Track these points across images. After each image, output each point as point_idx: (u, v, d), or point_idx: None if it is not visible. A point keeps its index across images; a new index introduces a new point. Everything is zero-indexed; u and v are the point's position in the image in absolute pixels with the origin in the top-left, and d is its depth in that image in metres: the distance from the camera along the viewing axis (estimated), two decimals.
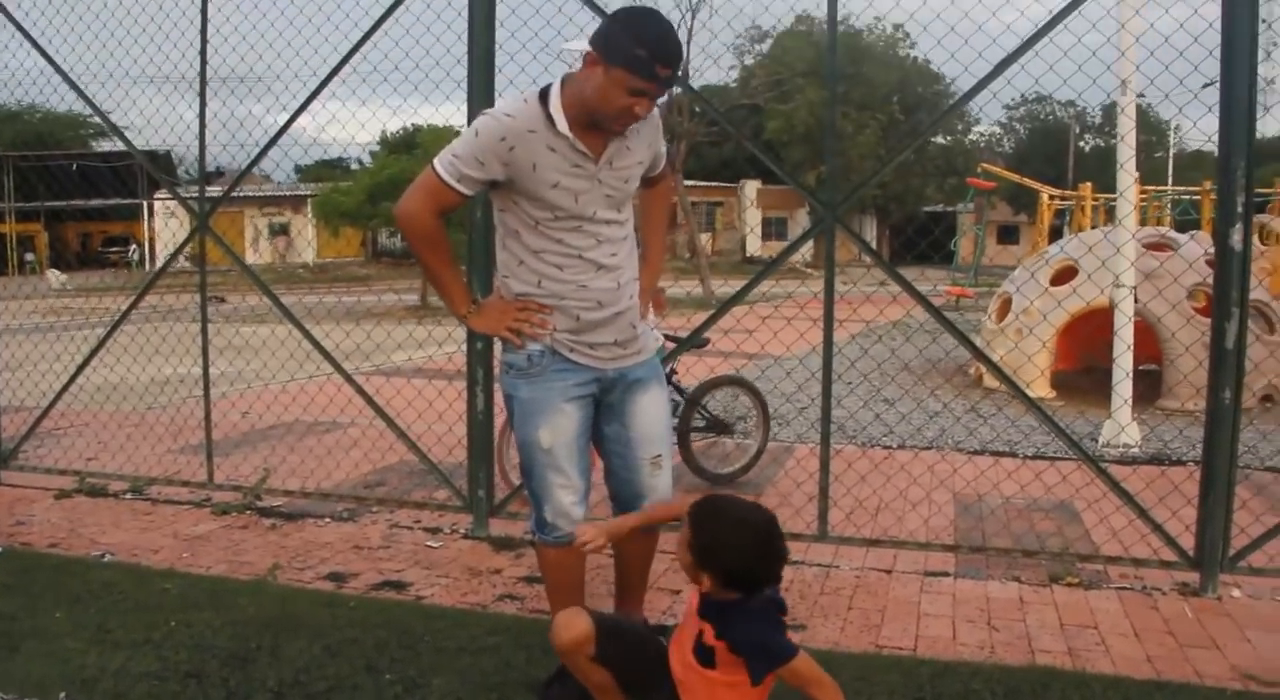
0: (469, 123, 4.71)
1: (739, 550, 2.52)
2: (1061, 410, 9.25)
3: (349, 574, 4.47)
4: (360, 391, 5.32)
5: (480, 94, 4.71)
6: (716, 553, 2.52)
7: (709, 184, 46.88)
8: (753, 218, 49.93)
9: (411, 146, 22.61)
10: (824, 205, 4.71)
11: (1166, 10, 4.31)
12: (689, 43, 26.39)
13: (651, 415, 3.30)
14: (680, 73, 3.01)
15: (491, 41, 4.69)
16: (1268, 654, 3.72)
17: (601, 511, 3.92)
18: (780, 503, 5.59)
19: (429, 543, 4.95)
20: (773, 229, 50.91)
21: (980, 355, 4.94)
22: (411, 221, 3.09)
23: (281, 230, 41.93)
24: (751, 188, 48.66)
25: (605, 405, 3.27)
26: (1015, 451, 7.24)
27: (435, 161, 3.04)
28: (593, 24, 4.48)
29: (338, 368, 5.39)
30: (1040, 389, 10.04)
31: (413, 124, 24.93)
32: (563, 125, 2.97)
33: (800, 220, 49.15)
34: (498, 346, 4.95)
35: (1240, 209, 4.10)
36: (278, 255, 38.86)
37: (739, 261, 43.50)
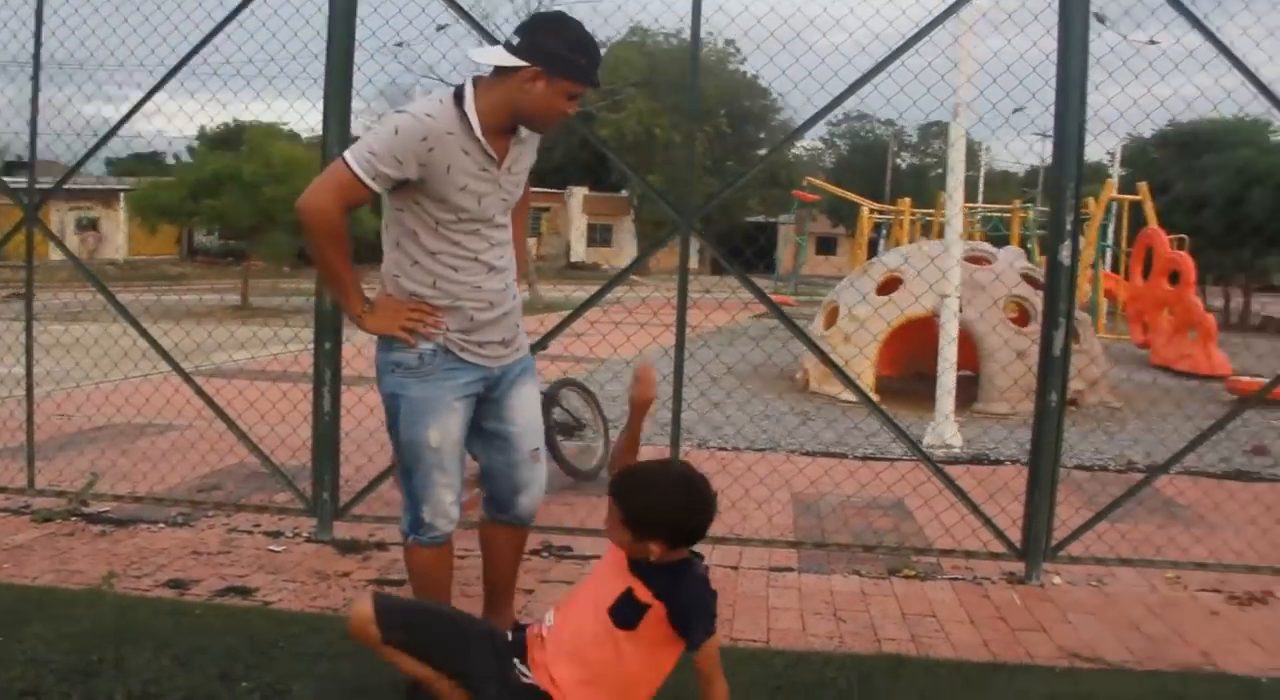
0: (325, 120, 4.66)
1: (676, 508, 2.57)
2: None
3: (190, 581, 4.30)
4: (199, 392, 5.14)
5: (338, 91, 4.62)
6: (657, 516, 2.56)
7: (536, 189, 46.90)
8: (579, 224, 50.18)
9: (237, 143, 21.82)
10: (680, 213, 4.82)
11: (1009, 40, 4.60)
12: None
13: (530, 410, 3.37)
14: None
15: (351, 39, 4.61)
16: (1087, 634, 4.02)
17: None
18: None
19: (271, 547, 4.81)
20: (598, 235, 51.30)
21: (828, 361, 5.13)
22: (320, 216, 3.02)
23: (90, 225, 39.76)
24: (579, 194, 48.92)
25: (487, 402, 3.29)
26: (848, 453, 7.53)
27: (348, 157, 2.98)
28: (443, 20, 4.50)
29: (176, 368, 5.19)
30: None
31: (235, 119, 24.07)
32: (478, 129, 3.01)
33: (625, 227, 49.67)
34: (347, 347, 4.91)
35: (1069, 227, 4.40)
36: (86, 251, 36.82)
37: (563, 267, 43.67)
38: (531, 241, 40.41)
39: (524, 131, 3.17)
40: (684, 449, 5.71)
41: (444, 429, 3.16)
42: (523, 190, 3.30)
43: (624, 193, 46.64)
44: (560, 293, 22.86)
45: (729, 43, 41.71)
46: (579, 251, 49.31)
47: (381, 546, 4.83)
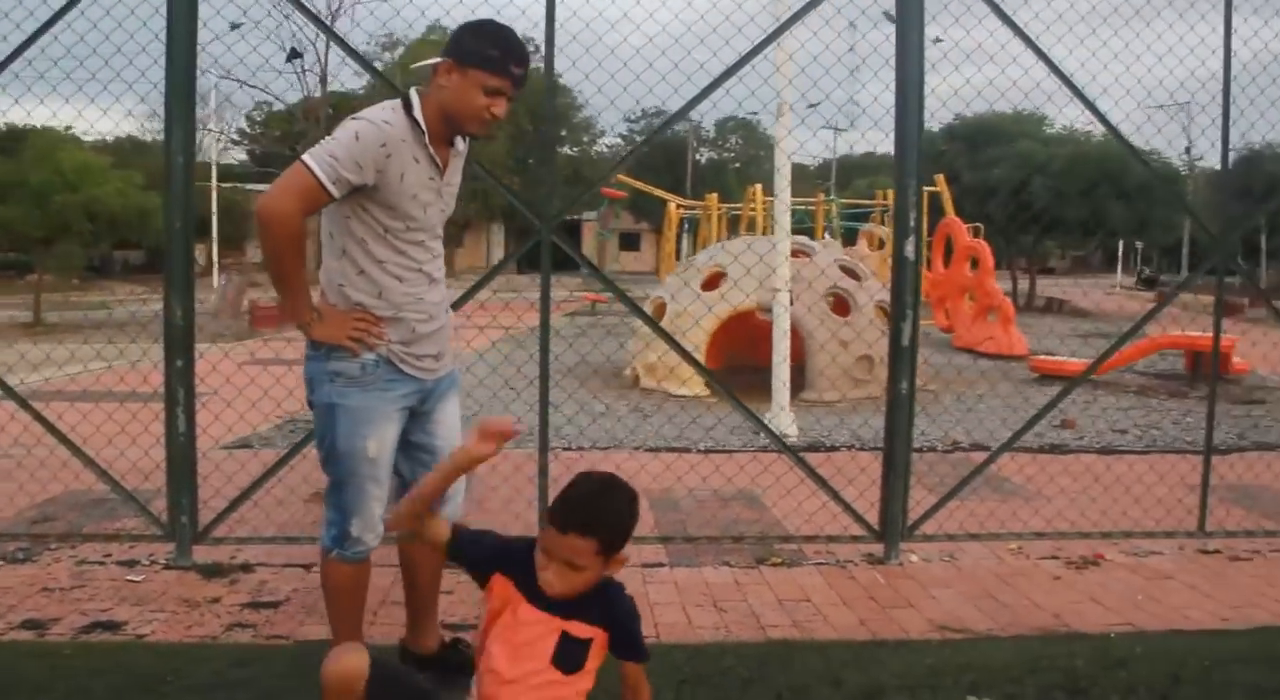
0: (168, 124, 4.48)
1: (632, 511, 2.55)
2: (716, 407, 9.89)
3: (48, 620, 4.05)
4: (38, 417, 4.85)
5: (181, 92, 4.44)
6: (625, 526, 2.53)
7: None
8: None
9: (14, 150, 20.28)
10: (539, 218, 4.85)
11: (851, 48, 4.82)
12: (327, 49, 25.79)
13: (453, 422, 3.39)
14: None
15: (194, 38, 4.44)
16: (951, 606, 4.29)
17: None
18: (501, 508, 5.64)
19: (129, 577, 4.58)
20: None
21: (692, 360, 5.25)
22: (283, 221, 2.96)
23: None
24: None
25: (417, 415, 3.28)
26: (691, 447, 7.71)
27: (310, 162, 2.94)
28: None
29: (10, 392, 4.89)
30: (696, 387, 10.71)
31: (6, 123, 22.46)
32: (427, 136, 3.05)
33: None
34: (200, 364, 4.74)
35: (912, 223, 4.67)
36: None
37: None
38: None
39: (459, 144, 3.22)
40: (528, 451, 5.72)
41: (382, 440, 3.14)
42: (454, 205, 3.34)
43: None
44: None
45: (527, 40, 41.67)
46: None
47: (247, 568, 4.68)
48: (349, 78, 44.74)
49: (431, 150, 3.09)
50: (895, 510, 4.88)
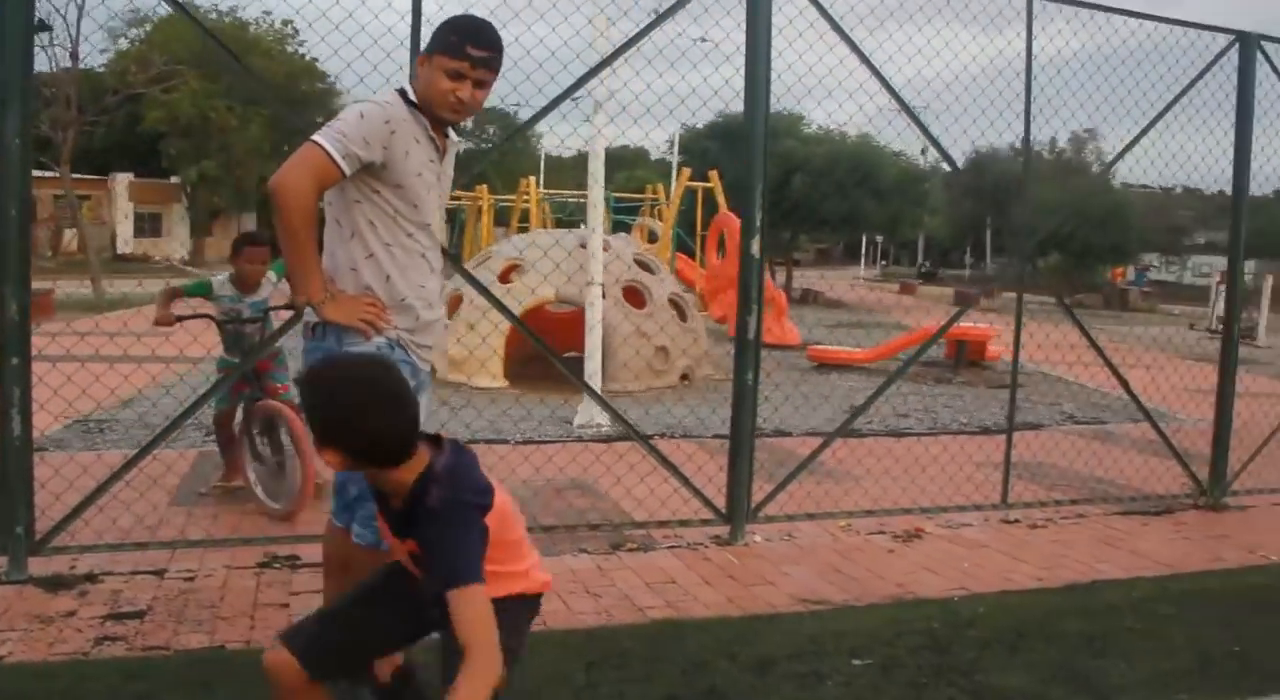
0: (1, 103, 4.20)
1: (344, 407, 2.26)
2: (523, 398, 10.01)
3: None
4: None
5: (17, 74, 4.20)
6: (328, 417, 2.27)
7: (76, 176, 42.76)
8: (125, 213, 46.35)
9: None
10: None
11: (699, 45, 5.04)
12: (79, 21, 24.12)
13: (423, 419, 3.39)
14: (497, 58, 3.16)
15: (31, 16, 4.21)
16: (804, 580, 4.64)
17: None
18: None
19: None
20: (146, 224, 47.77)
21: (550, 352, 5.37)
22: (296, 196, 2.97)
23: None
24: (124, 181, 45.18)
25: None
26: (508, 438, 7.82)
27: (320, 139, 2.98)
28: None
29: None
30: (497, 380, 10.80)
31: None
32: (425, 120, 3.16)
33: (176, 215, 46.60)
34: (38, 365, 4.49)
35: (759, 224, 4.97)
36: None
37: (110, 258, 40.32)
38: (71, 233, 36.97)
39: (452, 135, 3.32)
40: None
41: None
42: (449, 195, 3.43)
43: (174, 179, 43.59)
44: (117, 289, 20.82)
45: (287, 23, 40.32)
46: (126, 242, 45.53)
47: (93, 578, 4.45)
48: (95, 55, 41.78)
49: (431, 132, 3.19)
50: (740, 494, 5.18)
